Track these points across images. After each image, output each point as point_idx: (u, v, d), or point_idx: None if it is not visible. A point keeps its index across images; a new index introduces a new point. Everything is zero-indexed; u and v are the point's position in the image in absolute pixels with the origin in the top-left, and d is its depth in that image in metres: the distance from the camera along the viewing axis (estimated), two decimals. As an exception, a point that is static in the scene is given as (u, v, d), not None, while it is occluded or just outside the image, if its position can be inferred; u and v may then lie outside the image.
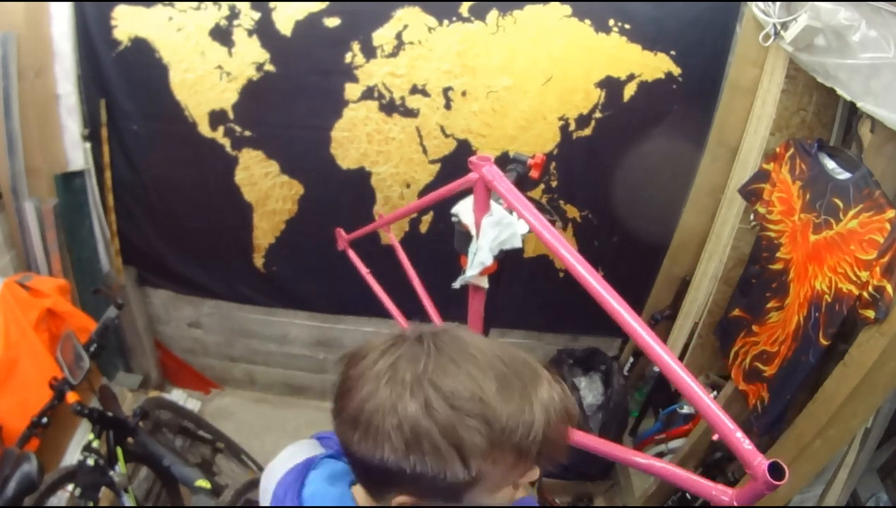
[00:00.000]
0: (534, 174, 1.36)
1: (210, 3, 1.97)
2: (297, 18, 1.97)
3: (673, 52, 1.98)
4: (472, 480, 0.56)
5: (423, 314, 2.33)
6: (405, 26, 1.97)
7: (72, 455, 1.80)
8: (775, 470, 0.69)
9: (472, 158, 1.21)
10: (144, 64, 2.05)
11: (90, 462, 1.47)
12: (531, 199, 1.38)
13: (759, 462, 0.72)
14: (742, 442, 0.75)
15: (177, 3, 1.98)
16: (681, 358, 2.14)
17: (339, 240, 2.11)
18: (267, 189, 2.25)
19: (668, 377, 0.85)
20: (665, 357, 0.86)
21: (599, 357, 2.48)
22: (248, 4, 1.96)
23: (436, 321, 1.88)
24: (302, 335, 2.67)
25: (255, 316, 2.63)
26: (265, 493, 0.72)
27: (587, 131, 2.10)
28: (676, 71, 2.00)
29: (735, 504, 0.78)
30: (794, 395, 1.47)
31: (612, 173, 2.15)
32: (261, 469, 2.32)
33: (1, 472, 1.26)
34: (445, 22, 1.96)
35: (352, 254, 2.08)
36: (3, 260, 2.05)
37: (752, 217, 1.82)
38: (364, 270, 2.03)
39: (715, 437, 0.82)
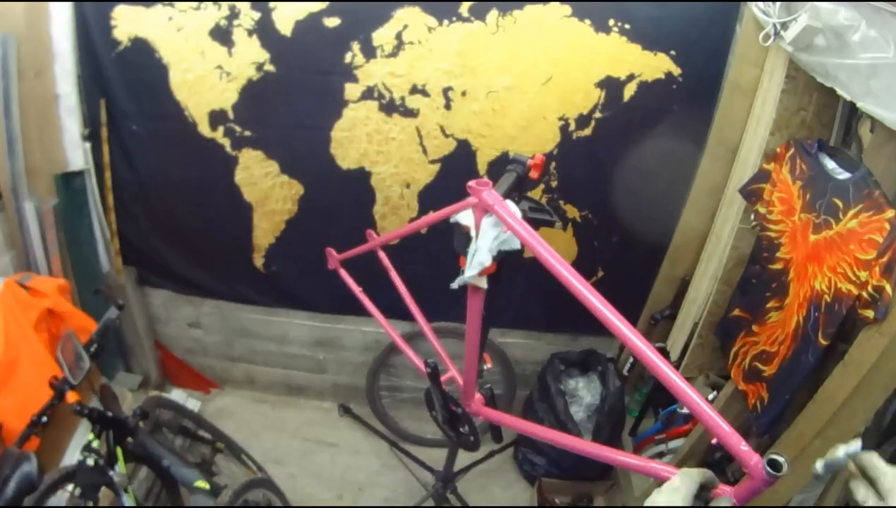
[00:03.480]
0: (533, 174, 1.37)
1: (210, 3, 1.97)
2: (297, 18, 1.97)
3: (673, 52, 1.98)
4: None
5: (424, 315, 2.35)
6: (405, 26, 1.97)
7: (72, 455, 1.80)
8: (773, 465, 0.68)
9: (471, 183, 1.22)
10: (144, 64, 2.05)
11: (90, 462, 1.47)
12: (530, 199, 1.39)
13: (756, 462, 0.72)
14: (738, 443, 0.76)
15: (177, 3, 1.98)
16: (681, 357, 2.14)
17: (330, 260, 2.11)
18: (267, 189, 2.25)
19: (663, 381, 0.85)
20: (659, 362, 0.87)
21: (596, 358, 2.49)
22: (248, 4, 1.96)
23: (422, 325, 1.90)
24: (302, 335, 2.67)
25: (255, 316, 2.63)
26: None
27: (587, 131, 2.10)
28: (676, 71, 2.00)
29: (735, 503, 0.79)
30: (794, 395, 1.46)
31: (612, 173, 2.15)
32: (261, 469, 2.33)
33: (1, 472, 1.26)
34: (445, 22, 1.96)
35: (343, 274, 2.09)
36: (3, 260, 2.05)
37: (752, 217, 1.82)
38: (356, 288, 2.05)
39: (714, 441, 0.82)
